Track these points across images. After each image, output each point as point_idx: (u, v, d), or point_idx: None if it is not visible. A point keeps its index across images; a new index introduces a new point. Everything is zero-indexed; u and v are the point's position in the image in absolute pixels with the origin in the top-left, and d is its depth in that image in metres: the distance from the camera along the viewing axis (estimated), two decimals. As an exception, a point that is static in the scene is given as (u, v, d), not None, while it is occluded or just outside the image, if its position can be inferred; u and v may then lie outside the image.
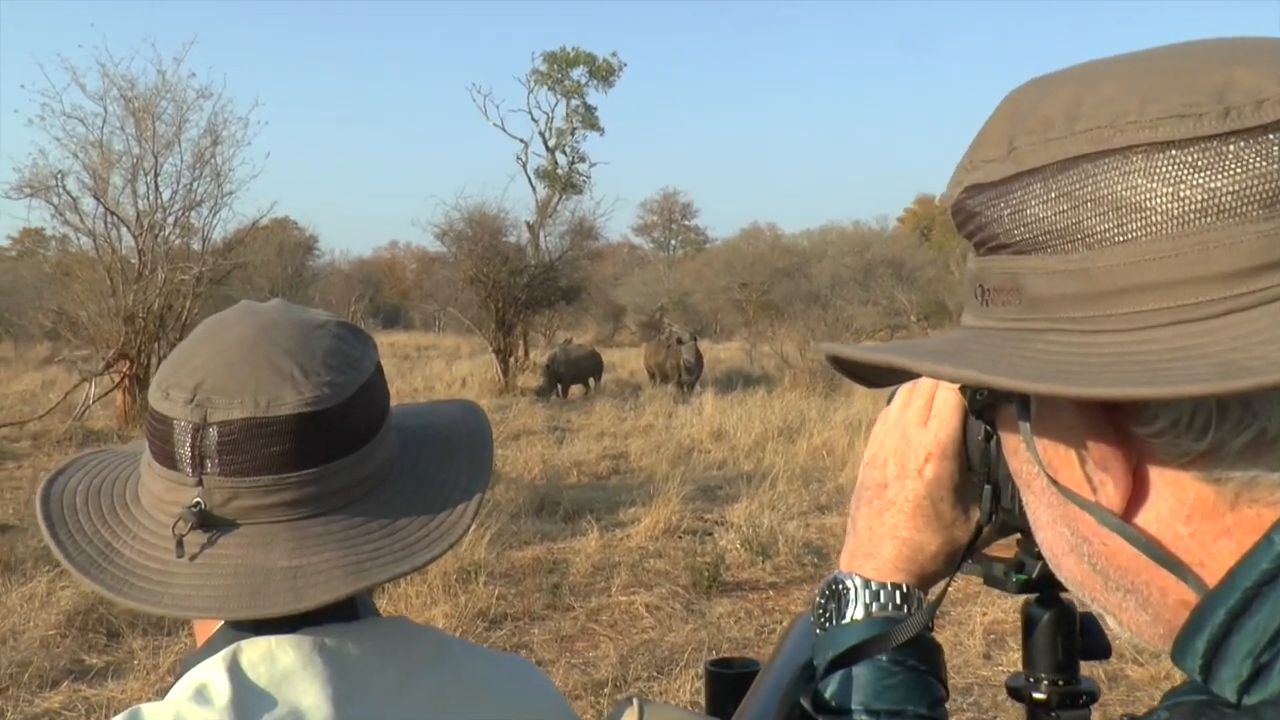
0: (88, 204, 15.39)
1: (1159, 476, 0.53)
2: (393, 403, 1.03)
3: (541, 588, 6.86)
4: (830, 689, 0.86)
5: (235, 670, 0.86)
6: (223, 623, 0.93)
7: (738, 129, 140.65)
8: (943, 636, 5.43)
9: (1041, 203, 0.53)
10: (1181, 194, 0.48)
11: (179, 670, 0.91)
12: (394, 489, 0.97)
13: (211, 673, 0.86)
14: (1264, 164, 0.47)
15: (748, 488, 9.44)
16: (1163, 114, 0.49)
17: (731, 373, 22.24)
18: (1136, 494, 0.54)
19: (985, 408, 0.70)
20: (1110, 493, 0.54)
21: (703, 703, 1.06)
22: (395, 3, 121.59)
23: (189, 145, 16.08)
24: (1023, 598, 0.93)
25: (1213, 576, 0.51)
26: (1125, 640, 0.62)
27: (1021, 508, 0.66)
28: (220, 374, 0.89)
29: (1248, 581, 0.49)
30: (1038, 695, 0.92)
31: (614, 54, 43.81)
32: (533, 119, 41.62)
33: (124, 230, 15.52)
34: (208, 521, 0.88)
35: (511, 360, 20.99)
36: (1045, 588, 0.90)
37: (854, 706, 0.85)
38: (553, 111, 41.85)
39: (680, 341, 19.30)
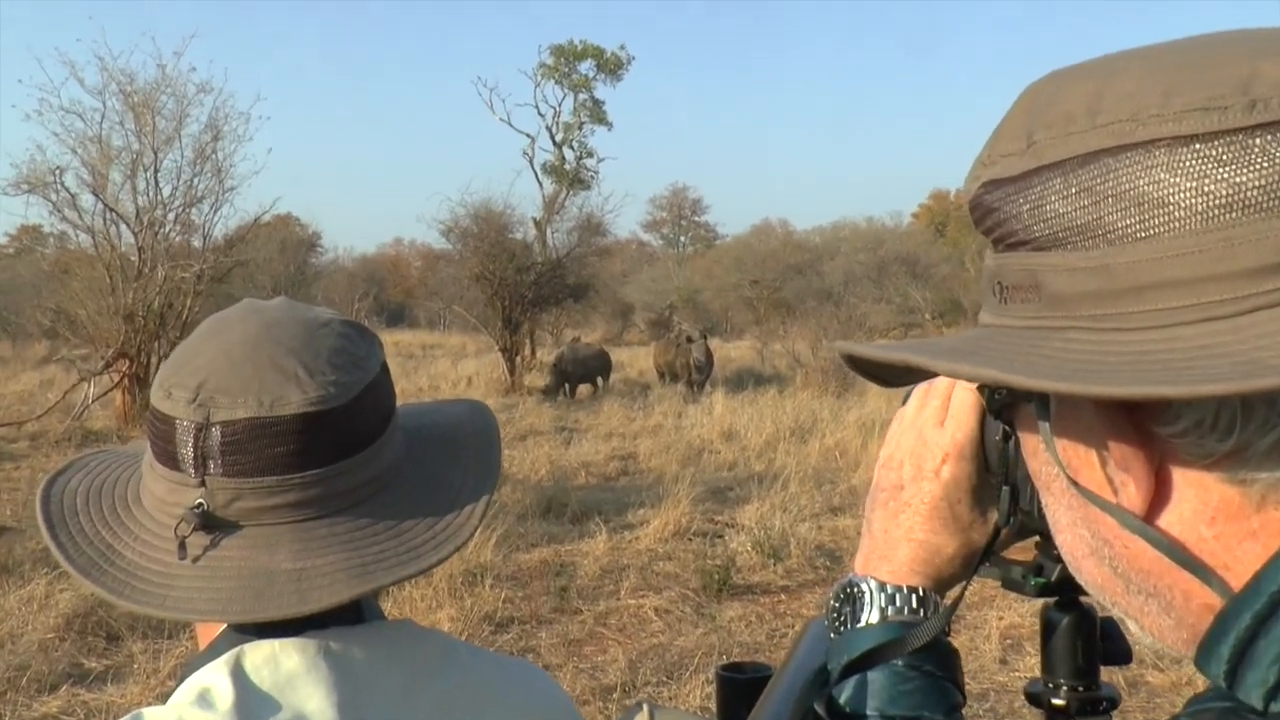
0: (86, 200, 15.40)
1: (1182, 478, 0.52)
2: (399, 402, 1.02)
3: (549, 591, 6.85)
4: (845, 695, 0.85)
5: (239, 674, 0.86)
6: (225, 626, 0.92)
7: (748, 123, 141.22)
8: (958, 641, 5.39)
9: (1061, 198, 0.52)
10: (1206, 189, 0.48)
11: (181, 674, 0.90)
12: (400, 490, 0.96)
13: (215, 677, 0.86)
14: None
15: (759, 489, 9.45)
16: (1186, 107, 0.49)
17: (742, 372, 22.28)
18: (1159, 495, 0.53)
19: (1003, 407, 0.69)
20: (1132, 494, 0.53)
21: (713, 708, 1.05)
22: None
23: (189, 141, 16.08)
24: (1041, 601, 0.92)
25: (1238, 580, 0.50)
26: (1146, 645, 0.61)
27: (1040, 509, 0.65)
28: (223, 373, 0.89)
29: (1275, 585, 0.49)
30: (1057, 701, 0.90)
31: (622, 47, 43.46)
32: (539, 113, 41.15)
33: (123, 227, 15.50)
34: (210, 523, 0.88)
35: (518, 359, 21.05)
36: (1064, 591, 0.89)
37: (869, 712, 0.84)
38: (560, 106, 41.47)
39: (690, 340, 19.30)
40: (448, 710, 0.95)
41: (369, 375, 0.95)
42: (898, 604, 0.87)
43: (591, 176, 39.84)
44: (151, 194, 15.64)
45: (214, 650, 0.90)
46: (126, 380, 14.66)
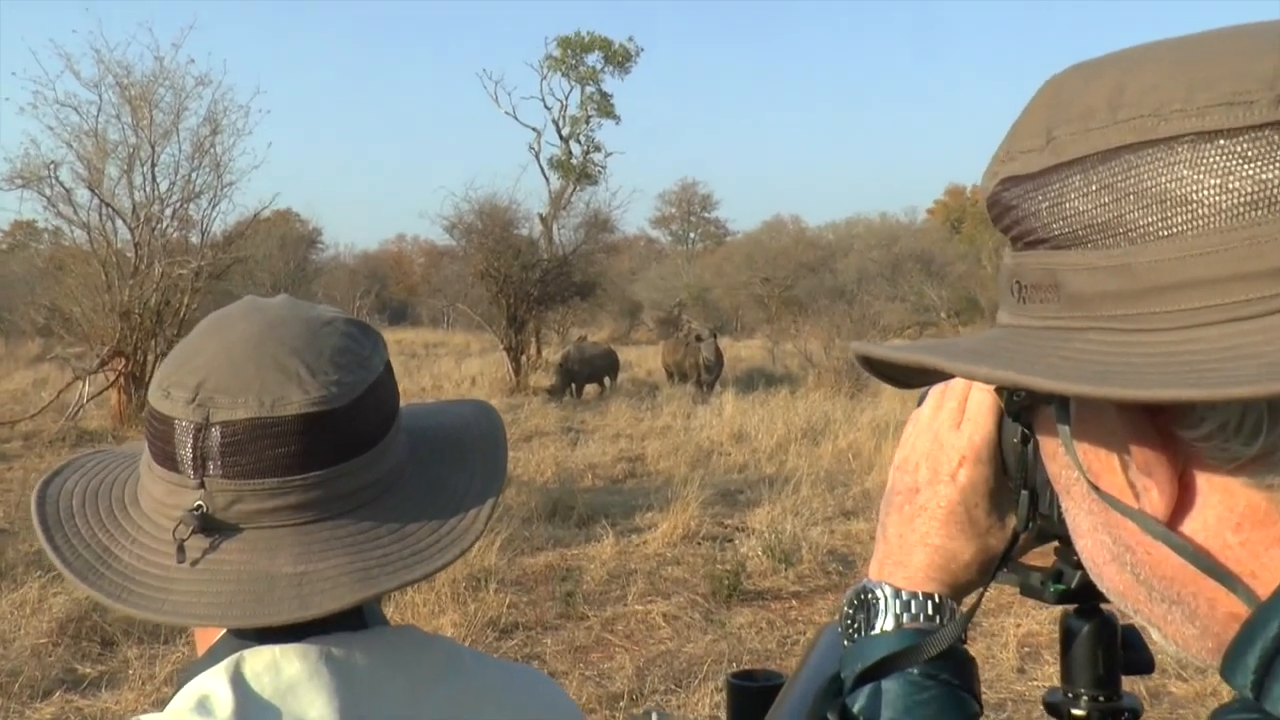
0: (82, 195, 15.30)
1: (1206, 482, 0.51)
2: (402, 402, 1.01)
3: (554, 596, 6.82)
4: (859, 704, 0.84)
5: (239, 681, 0.85)
6: (224, 631, 0.92)
7: (759, 118, 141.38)
8: (975, 649, 5.39)
9: (1081, 195, 0.51)
10: (1230, 186, 0.47)
11: (179, 680, 0.89)
12: (404, 493, 0.95)
13: (214, 683, 0.85)
14: None
15: (770, 492, 9.45)
16: (1211, 102, 0.48)
17: (753, 371, 22.28)
18: (1182, 501, 0.52)
19: (1022, 410, 0.69)
20: (1154, 499, 0.52)
21: (723, 717, 1.04)
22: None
23: (187, 134, 15.96)
24: (1060, 609, 0.91)
25: (1265, 588, 0.50)
26: (1169, 654, 0.60)
27: (1060, 514, 0.64)
28: (224, 372, 0.88)
29: None
30: (1077, 711, 0.89)
31: (630, 39, 43.24)
32: (546, 107, 40.29)
33: (119, 223, 15.41)
34: (210, 525, 0.87)
35: (523, 358, 21.07)
36: (1085, 598, 0.88)
37: None
38: (567, 99, 40.64)
39: (699, 339, 19.29)
40: (452, 717, 0.94)
41: (372, 375, 0.94)
42: (913, 611, 0.86)
43: (599, 171, 39.42)
44: (148, 189, 15.57)
45: (213, 656, 0.89)
46: (122, 379, 14.60)
